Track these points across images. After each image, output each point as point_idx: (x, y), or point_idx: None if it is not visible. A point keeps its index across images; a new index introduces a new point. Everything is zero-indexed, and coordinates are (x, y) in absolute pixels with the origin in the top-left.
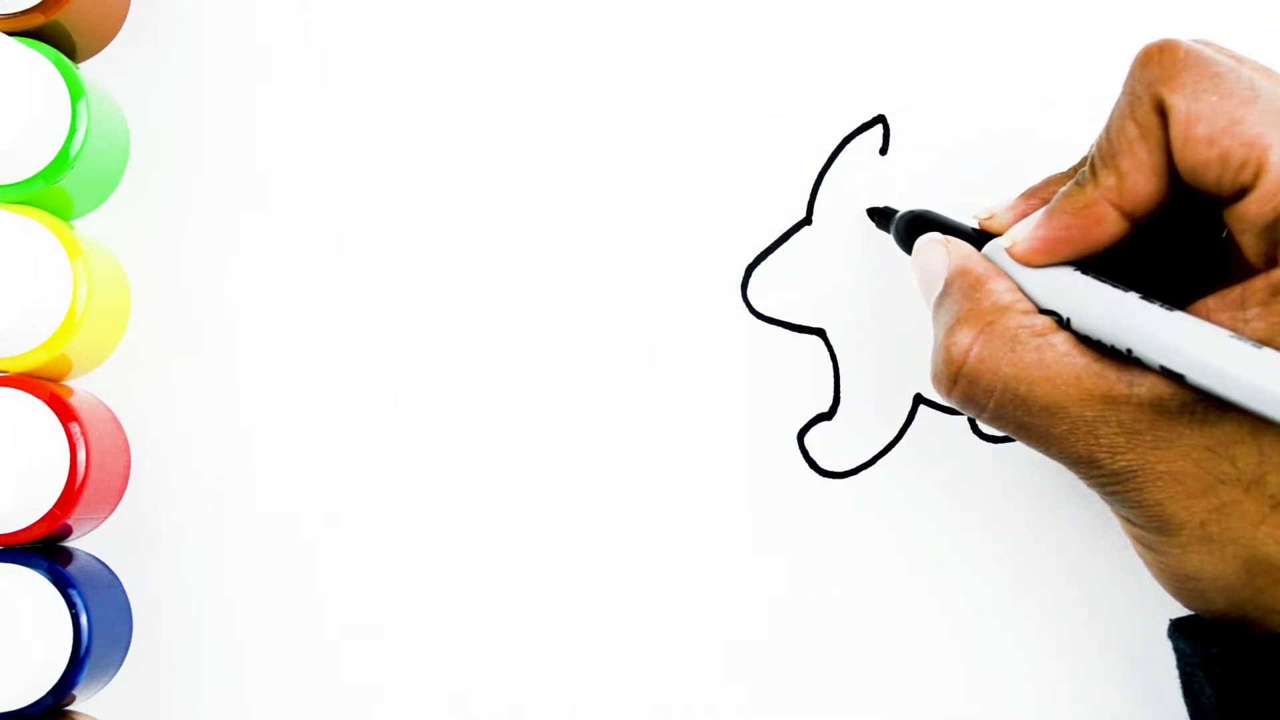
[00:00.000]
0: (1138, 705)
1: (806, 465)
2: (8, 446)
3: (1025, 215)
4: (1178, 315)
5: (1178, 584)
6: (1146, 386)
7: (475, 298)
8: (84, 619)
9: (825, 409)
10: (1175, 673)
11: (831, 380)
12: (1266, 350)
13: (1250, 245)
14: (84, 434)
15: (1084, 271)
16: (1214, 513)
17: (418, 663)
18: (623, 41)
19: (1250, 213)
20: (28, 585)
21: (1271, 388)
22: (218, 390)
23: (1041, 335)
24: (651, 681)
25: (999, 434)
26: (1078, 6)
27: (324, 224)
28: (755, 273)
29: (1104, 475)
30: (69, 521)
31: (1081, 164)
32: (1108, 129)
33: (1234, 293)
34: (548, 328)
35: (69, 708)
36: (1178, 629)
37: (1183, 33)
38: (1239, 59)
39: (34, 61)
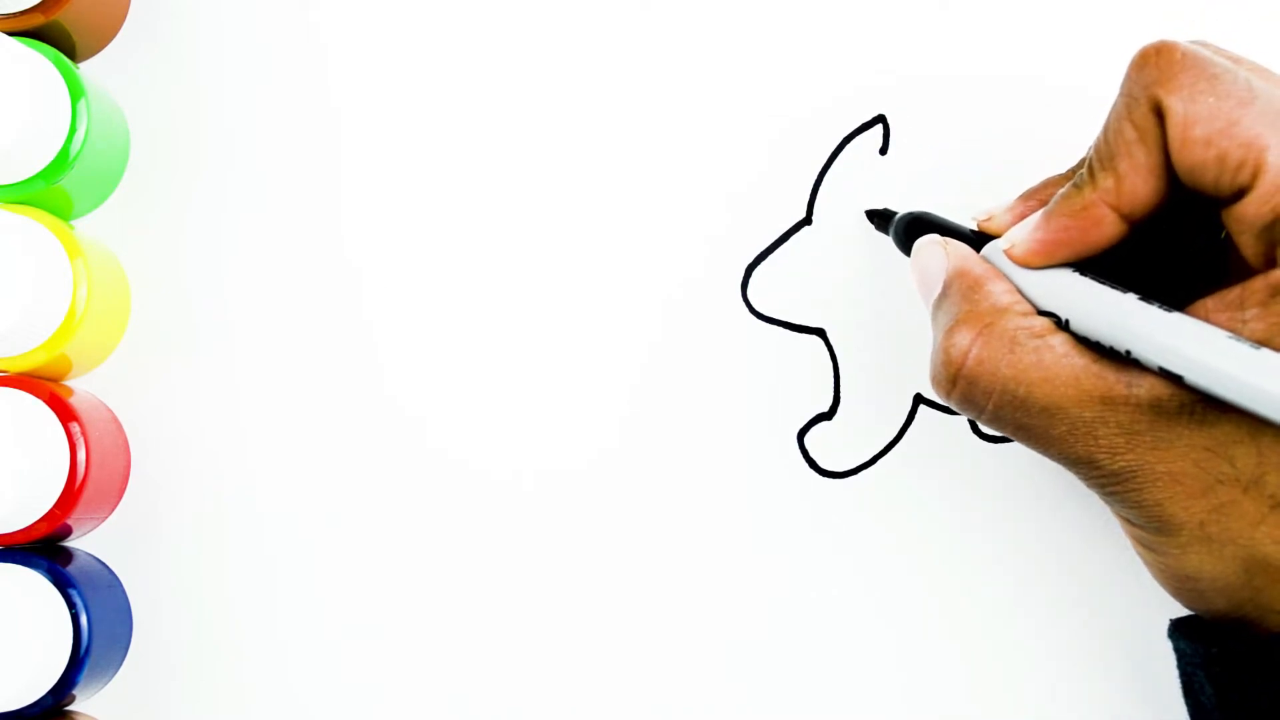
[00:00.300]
0: (1138, 705)
1: (806, 465)
2: (8, 446)
3: (1024, 217)
4: (1176, 316)
5: (1177, 584)
6: (1145, 387)
7: (475, 298)
8: (84, 619)
9: (825, 409)
10: (1175, 673)
11: (831, 380)
12: (1265, 351)
13: (1248, 246)
14: (84, 434)
15: (1082, 273)
16: (1213, 513)
17: (418, 663)
18: (623, 41)
19: (1248, 214)
20: (28, 585)
21: (1270, 388)
22: (218, 390)
23: (1040, 336)
24: (651, 681)
25: (999, 434)
26: (1078, 6)
27: (324, 224)
28: (755, 273)
29: (1103, 476)
30: (69, 521)
31: (1080, 166)
32: (1105, 131)
33: (1232, 293)
34: (548, 328)
35: (69, 708)
36: (1178, 629)
37: (1182, 33)
38: (1236, 60)
39: (34, 61)
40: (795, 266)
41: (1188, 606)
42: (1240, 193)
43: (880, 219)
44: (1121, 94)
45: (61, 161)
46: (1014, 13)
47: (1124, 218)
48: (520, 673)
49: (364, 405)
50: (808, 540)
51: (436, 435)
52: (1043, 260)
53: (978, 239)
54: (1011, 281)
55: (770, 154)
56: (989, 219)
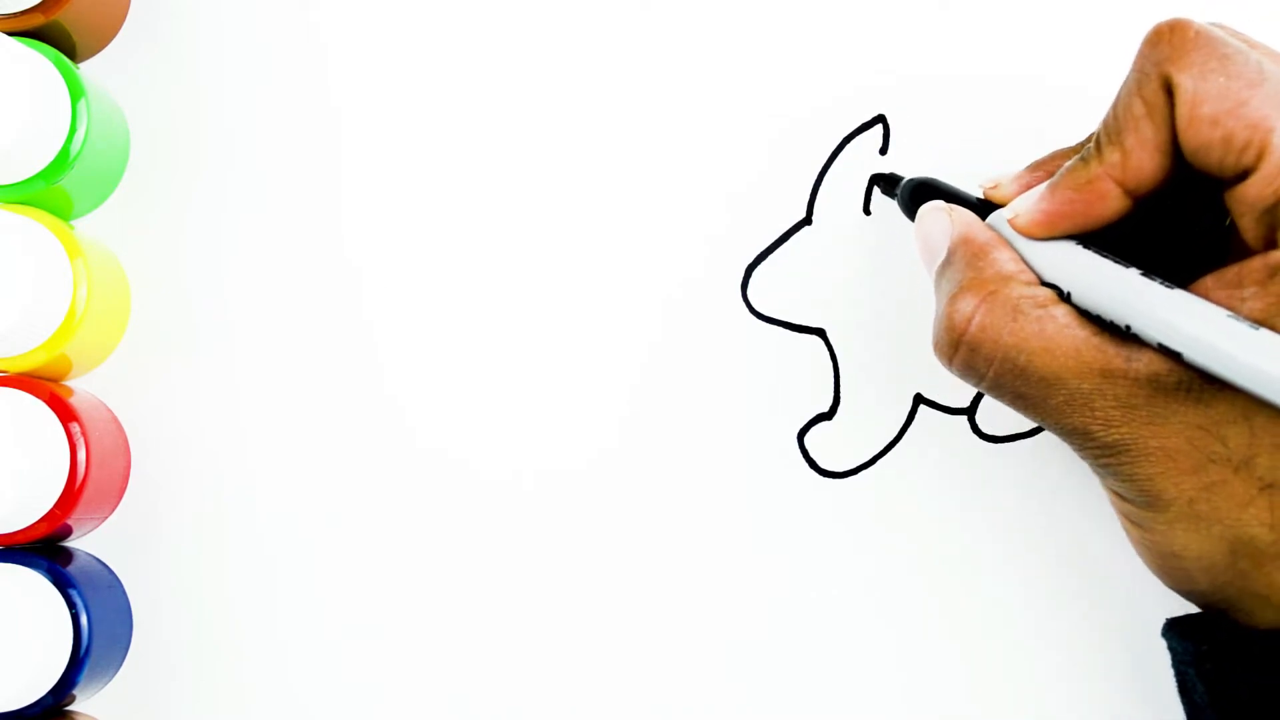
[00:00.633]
0: (1138, 705)
1: (806, 465)
2: (8, 446)
3: (1030, 187)
4: (1177, 293)
5: (1162, 561)
6: (1144, 362)
7: (475, 298)
8: (84, 619)
9: (825, 409)
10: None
11: (831, 380)
12: (1263, 331)
13: (1250, 228)
14: (84, 434)
15: (1086, 246)
16: (1203, 491)
17: (418, 663)
18: (623, 41)
19: (1250, 195)
20: (28, 585)
21: (1267, 368)
22: (218, 390)
23: (1043, 307)
24: (651, 681)
25: (999, 434)
26: (1078, 6)
27: (324, 224)
28: (755, 273)
29: (1097, 448)
30: (69, 521)
31: (1089, 140)
32: (1115, 106)
33: (1230, 272)
34: (548, 328)
35: (69, 708)
36: (1171, 628)
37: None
38: (1251, 43)
39: (34, 61)
40: (795, 266)
41: (1171, 585)
42: (1244, 174)
43: (886, 183)
44: (1133, 69)
45: (61, 161)
46: (1014, 13)
47: (1128, 193)
48: (520, 673)
49: (364, 405)
50: (808, 540)
51: (436, 435)
52: (1046, 231)
53: (983, 207)
54: (1016, 251)
55: (770, 154)
56: (995, 187)
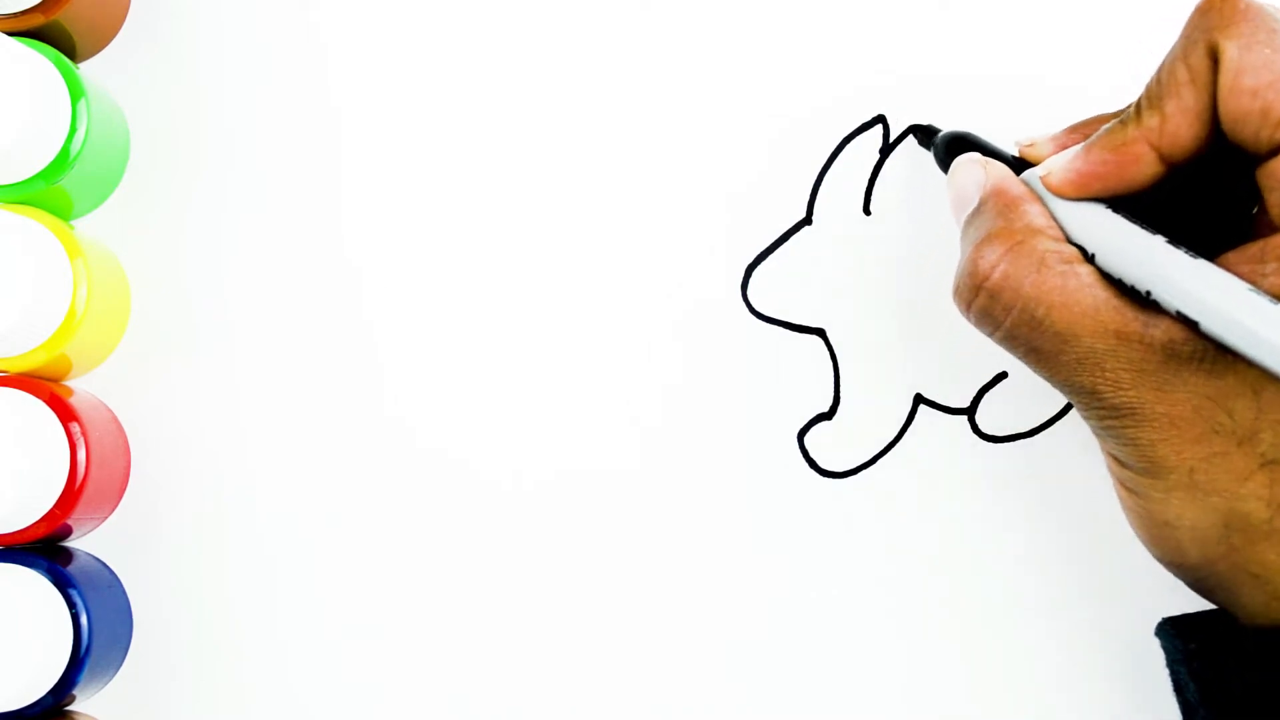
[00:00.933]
0: (1138, 705)
1: (806, 465)
2: (8, 446)
3: (1066, 148)
4: (1201, 263)
5: (1155, 530)
6: (1161, 329)
7: (475, 298)
8: (84, 619)
9: (825, 409)
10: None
11: (831, 380)
12: None
13: (1277, 205)
14: (84, 434)
15: (1115, 210)
16: (1203, 461)
17: (418, 663)
18: (623, 41)
19: (1279, 171)
20: (28, 585)
21: None
22: (218, 390)
23: (1068, 263)
24: (651, 681)
25: (999, 434)
26: (1078, 6)
27: (324, 224)
28: (755, 273)
29: (1103, 409)
30: (69, 521)
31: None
32: (1159, 71)
33: (1254, 248)
34: (548, 328)
35: (69, 708)
36: (1164, 627)
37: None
38: None
39: (34, 61)
40: (795, 266)
41: (1160, 557)
42: (1277, 150)
43: (924, 134)
44: (1181, 36)
45: (61, 161)
46: (1014, 13)
47: (1163, 159)
48: (520, 673)
49: (364, 405)
50: (808, 540)
51: (436, 435)
52: (1077, 191)
53: (1017, 165)
54: (1046, 208)
55: (770, 154)
56: (1031, 145)
